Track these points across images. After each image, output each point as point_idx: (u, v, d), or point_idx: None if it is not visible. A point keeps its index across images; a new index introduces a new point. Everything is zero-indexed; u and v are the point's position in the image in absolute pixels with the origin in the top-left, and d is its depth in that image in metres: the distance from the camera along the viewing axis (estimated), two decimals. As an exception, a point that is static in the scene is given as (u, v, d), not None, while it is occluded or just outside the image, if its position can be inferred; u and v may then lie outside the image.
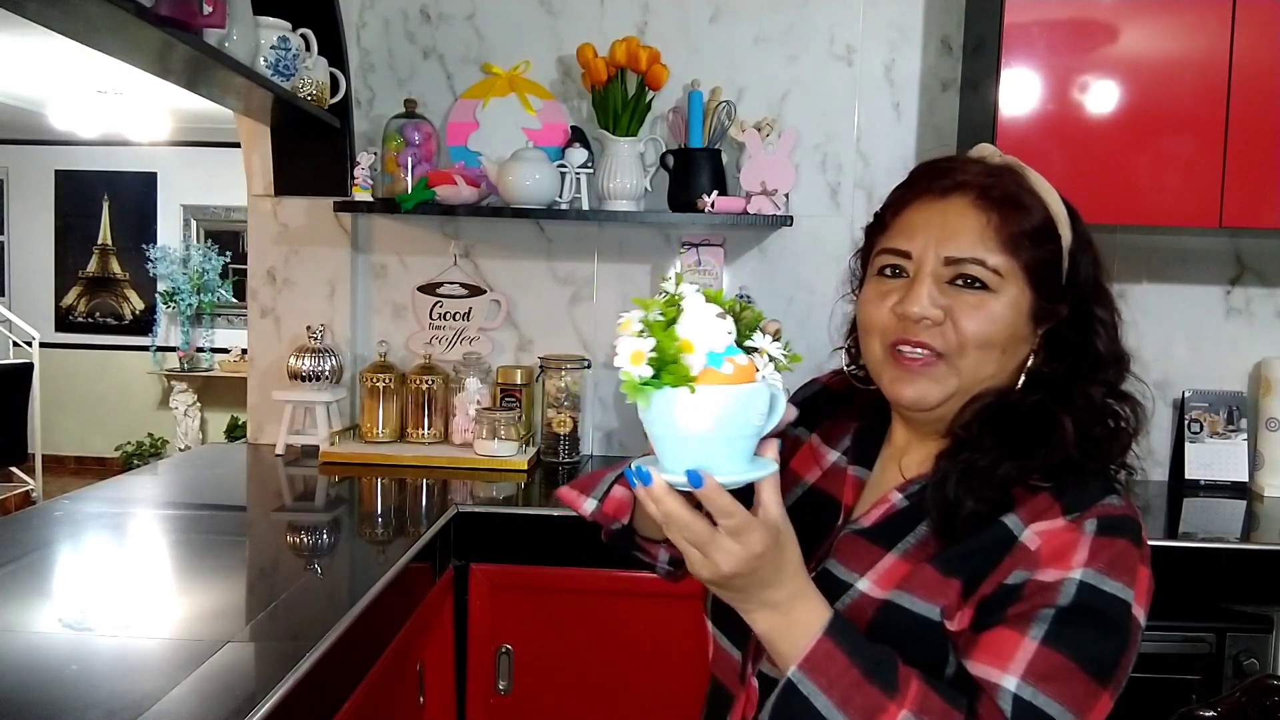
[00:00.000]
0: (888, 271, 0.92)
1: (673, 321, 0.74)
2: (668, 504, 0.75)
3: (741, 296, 2.35)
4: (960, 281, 0.88)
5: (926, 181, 0.93)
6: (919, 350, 0.89)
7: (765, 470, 0.77)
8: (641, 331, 0.75)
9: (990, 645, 0.80)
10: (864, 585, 0.88)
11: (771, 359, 0.77)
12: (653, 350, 0.73)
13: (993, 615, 0.81)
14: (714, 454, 0.75)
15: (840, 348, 1.04)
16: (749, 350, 0.76)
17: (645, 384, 0.73)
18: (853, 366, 1.01)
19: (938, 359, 0.89)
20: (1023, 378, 0.91)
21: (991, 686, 0.77)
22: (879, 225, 0.96)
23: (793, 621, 0.79)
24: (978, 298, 0.88)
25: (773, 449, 0.79)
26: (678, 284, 0.78)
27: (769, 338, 0.77)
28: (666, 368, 0.73)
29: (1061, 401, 0.88)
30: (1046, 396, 0.89)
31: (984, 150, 0.96)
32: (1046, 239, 0.90)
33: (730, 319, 0.75)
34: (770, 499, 0.77)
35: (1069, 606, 0.79)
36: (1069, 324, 0.91)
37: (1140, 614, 0.81)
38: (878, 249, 0.94)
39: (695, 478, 0.74)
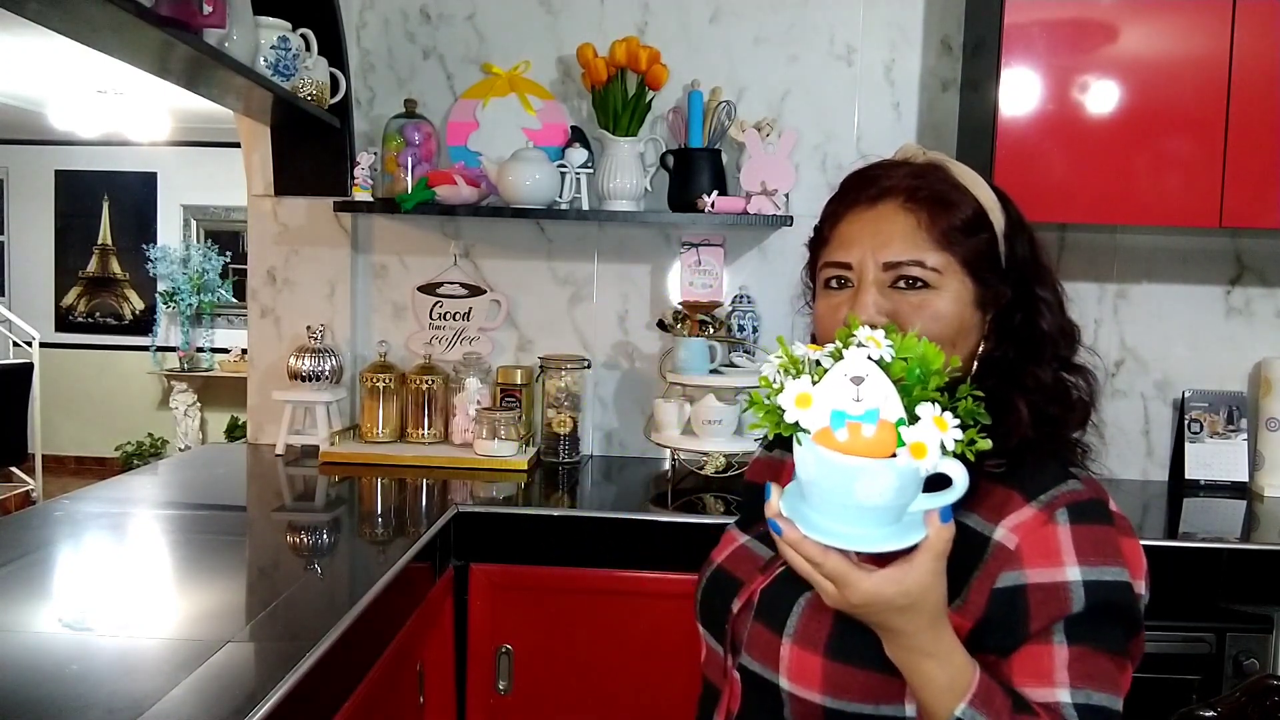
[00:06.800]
0: (834, 284, 0.96)
1: (822, 367, 0.75)
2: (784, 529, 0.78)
3: (741, 297, 2.35)
4: (902, 284, 0.91)
5: (856, 192, 0.96)
6: None
7: (859, 545, 0.74)
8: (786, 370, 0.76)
9: (1028, 667, 0.82)
10: None
11: (942, 442, 0.72)
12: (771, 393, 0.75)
13: (1002, 634, 0.83)
14: (819, 505, 0.75)
15: None
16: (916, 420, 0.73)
17: (759, 421, 0.75)
18: None
19: None
20: (975, 364, 0.94)
21: (1053, 707, 0.80)
22: (819, 239, 1.00)
23: (918, 669, 0.80)
24: (920, 297, 0.91)
25: (934, 521, 0.76)
26: (851, 328, 0.76)
27: (951, 416, 0.72)
28: (766, 414, 0.75)
29: (1013, 385, 0.91)
30: (999, 381, 0.91)
31: (909, 150, 0.99)
32: (978, 229, 0.93)
33: (880, 382, 0.72)
34: (898, 568, 0.76)
35: (1084, 611, 0.82)
36: (1014, 306, 0.94)
37: (1139, 585, 0.87)
38: (821, 263, 0.98)
39: (774, 525, 0.77)
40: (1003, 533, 0.85)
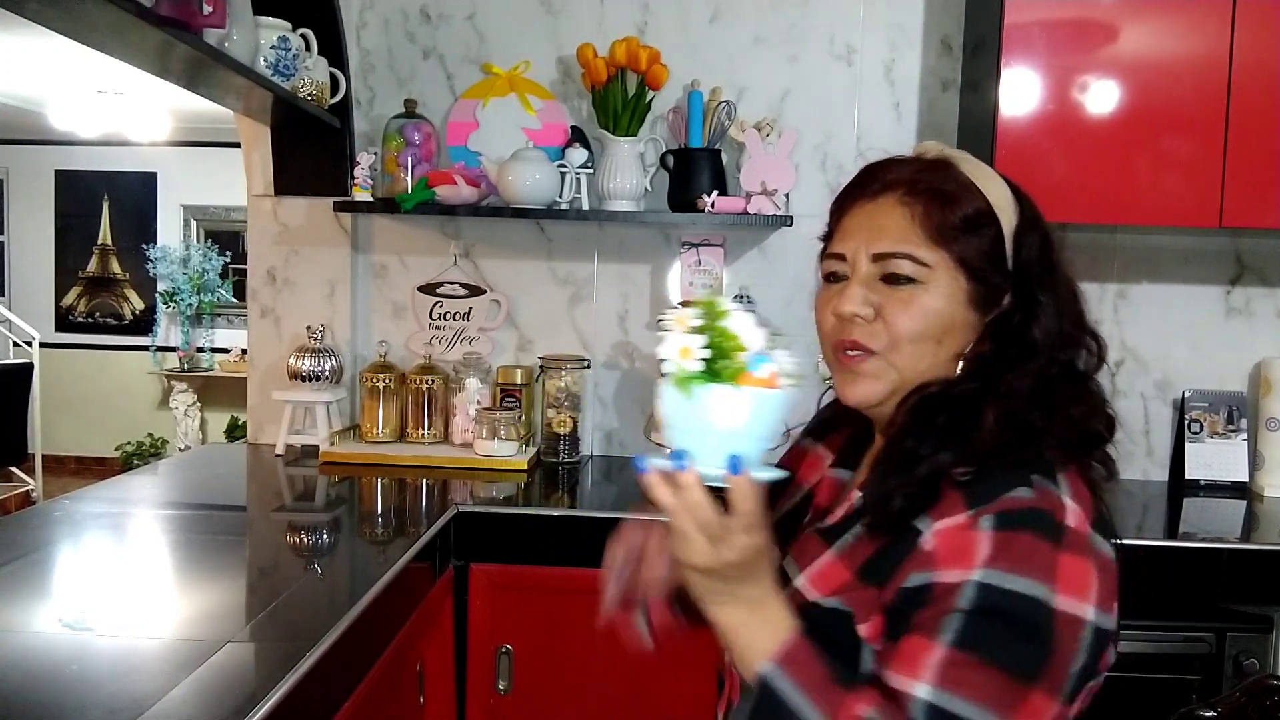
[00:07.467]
0: (831, 276, 0.95)
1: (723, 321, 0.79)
2: (696, 492, 0.78)
3: (741, 297, 2.34)
4: (891, 277, 0.90)
5: (861, 186, 0.96)
6: (856, 350, 0.91)
7: (779, 473, 0.82)
8: (690, 329, 0.78)
9: (902, 654, 0.79)
10: (799, 582, 0.90)
11: (788, 374, 0.80)
12: (706, 345, 0.78)
13: (901, 623, 0.81)
14: (744, 452, 0.79)
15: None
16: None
17: (693, 378, 0.77)
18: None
19: (871, 354, 0.90)
20: (960, 365, 0.91)
21: (904, 697, 0.76)
22: (827, 233, 0.99)
23: (760, 619, 0.82)
24: (908, 292, 0.89)
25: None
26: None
27: (784, 353, 0.80)
28: (721, 363, 0.77)
29: (989, 389, 0.87)
30: (977, 385, 0.88)
31: (923, 147, 0.98)
32: (980, 226, 0.90)
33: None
34: (762, 501, 0.80)
35: (970, 610, 0.77)
36: (1015, 309, 0.91)
37: (1069, 605, 0.77)
38: (823, 256, 0.98)
39: (735, 464, 0.77)
40: (927, 535, 0.81)
